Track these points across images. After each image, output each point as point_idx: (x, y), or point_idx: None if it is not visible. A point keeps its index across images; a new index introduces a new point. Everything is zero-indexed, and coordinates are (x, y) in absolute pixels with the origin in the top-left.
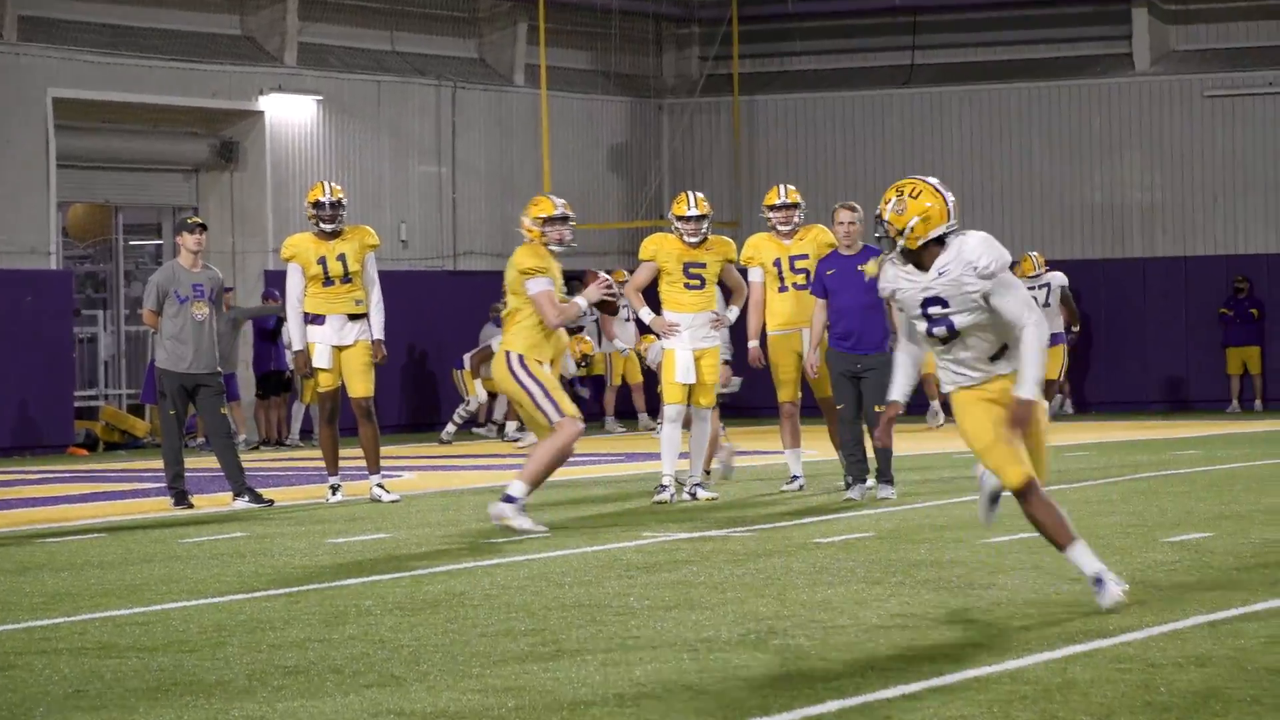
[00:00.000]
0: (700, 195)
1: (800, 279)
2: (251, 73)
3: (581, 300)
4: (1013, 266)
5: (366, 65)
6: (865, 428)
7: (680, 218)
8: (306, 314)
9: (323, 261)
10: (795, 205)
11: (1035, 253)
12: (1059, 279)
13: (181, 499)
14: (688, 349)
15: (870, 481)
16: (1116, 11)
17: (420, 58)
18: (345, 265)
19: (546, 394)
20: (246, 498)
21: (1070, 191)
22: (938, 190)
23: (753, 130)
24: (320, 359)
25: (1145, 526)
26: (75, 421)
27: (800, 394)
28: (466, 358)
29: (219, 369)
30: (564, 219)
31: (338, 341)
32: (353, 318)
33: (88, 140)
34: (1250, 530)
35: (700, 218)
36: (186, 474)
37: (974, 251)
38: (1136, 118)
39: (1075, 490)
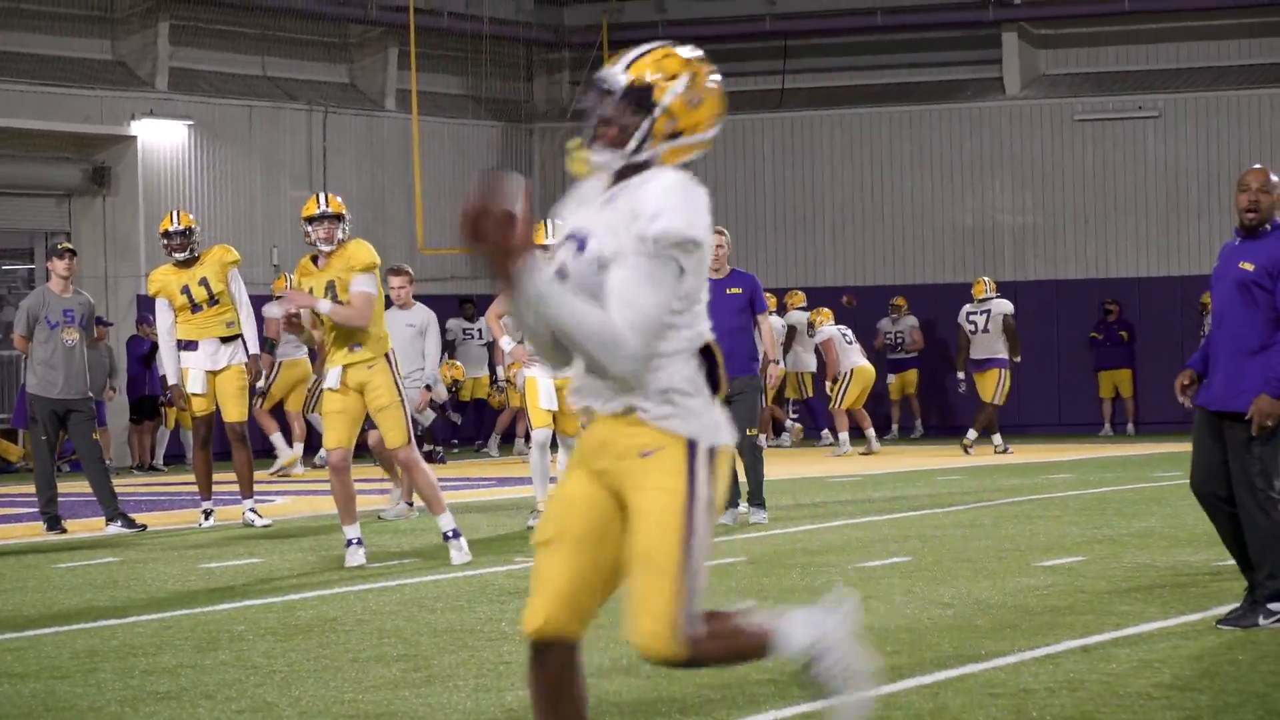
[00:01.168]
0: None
1: None
2: (123, 97)
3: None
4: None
5: (238, 90)
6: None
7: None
8: (180, 341)
9: (186, 290)
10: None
11: (987, 277)
12: (1003, 305)
13: (54, 524)
14: (549, 375)
15: (742, 506)
16: (987, 36)
17: (292, 83)
18: (209, 288)
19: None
20: (119, 523)
21: (941, 214)
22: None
23: None
24: (194, 384)
25: (1018, 550)
26: None
27: None
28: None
29: (90, 394)
30: (324, 218)
31: (211, 366)
32: (225, 340)
33: None
34: (1123, 554)
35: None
36: (59, 499)
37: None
38: (1007, 141)
39: (948, 514)
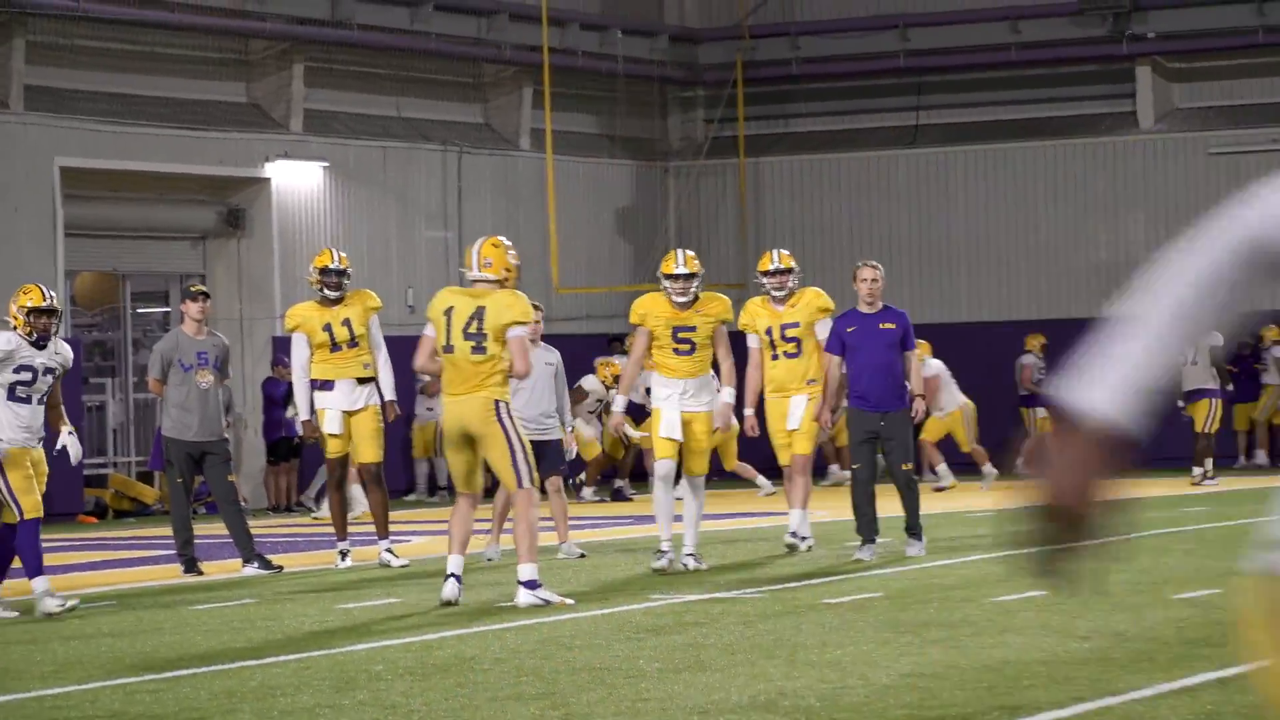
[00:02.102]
0: (690, 253)
1: (791, 347)
2: (258, 139)
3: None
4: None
5: (372, 131)
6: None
7: (668, 276)
8: (315, 380)
9: (328, 328)
10: (789, 270)
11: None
12: (1212, 338)
13: (191, 566)
14: (676, 409)
15: (887, 538)
16: (1121, 70)
17: (426, 123)
18: (351, 330)
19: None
20: (256, 564)
21: (1076, 250)
22: None
23: (758, 192)
24: (331, 424)
25: (1154, 583)
26: (84, 489)
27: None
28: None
29: (225, 436)
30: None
31: (348, 406)
32: (361, 381)
33: (95, 209)
34: None
35: (689, 276)
36: (195, 540)
37: None
38: (1141, 175)
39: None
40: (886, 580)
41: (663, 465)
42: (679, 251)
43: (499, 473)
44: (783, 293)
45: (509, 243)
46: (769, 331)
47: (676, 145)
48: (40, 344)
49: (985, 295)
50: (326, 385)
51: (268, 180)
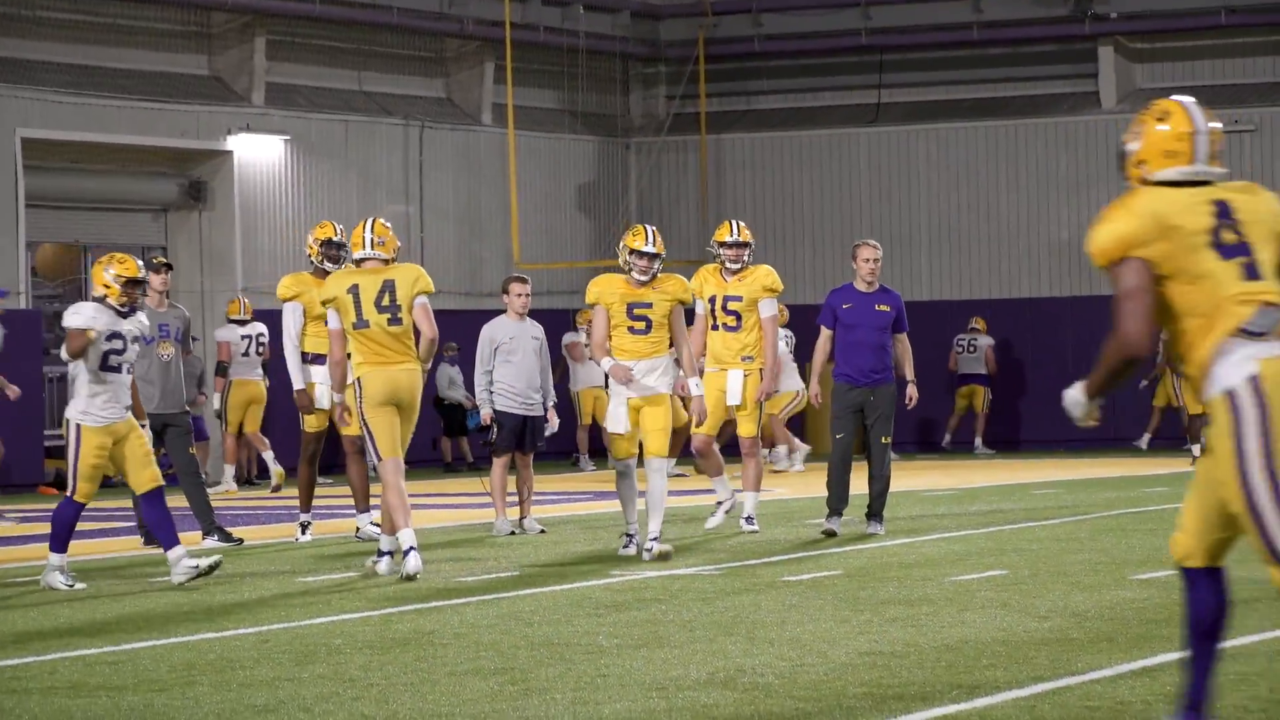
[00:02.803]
0: (656, 231)
1: (730, 320)
2: (220, 112)
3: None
4: None
5: (334, 105)
6: (865, 459)
7: (634, 251)
8: (306, 354)
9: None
10: (746, 244)
11: None
12: None
13: (150, 538)
14: (623, 400)
15: (845, 516)
16: (1083, 50)
17: (388, 97)
18: None
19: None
20: (215, 536)
21: (1037, 230)
22: None
23: (720, 169)
24: (323, 399)
25: (1114, 564)
26: (45, 460)
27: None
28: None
29: (187, 408)
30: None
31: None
32: (351, 356)
33: (56, 180)
34: None
35: (654, 256)
36: None
37: None
38: (1103, 155)
39: (1044, 527)
40: (846, 558)
41: (620, 464)
42: (648, 228)
43: (402, 440)
44: (736, 265)
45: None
46: (712, 300)
47: (638, 121)
48: (130, 313)
49: (945, 274)
50: (319, 359)
51: (229, 153)
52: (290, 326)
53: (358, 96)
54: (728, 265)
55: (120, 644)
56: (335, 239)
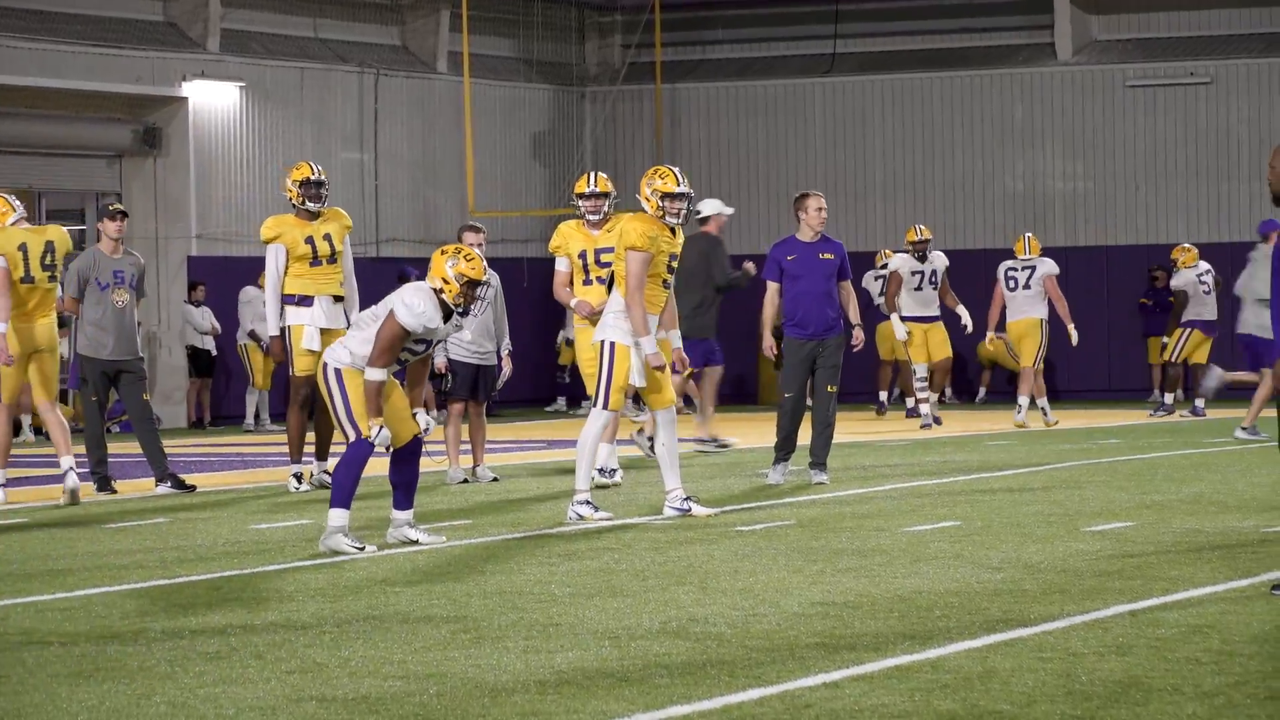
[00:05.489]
0: (603, 175)
1: (604, 273)
2: (174, 58)
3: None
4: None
5: (289, 52)
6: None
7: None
8: (290, 295)
9: (310, 241)
10: (606, 195)
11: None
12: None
13: (104, 484)
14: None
15: (792, 465)
16: (1039, 1)
17: (343, 45)
18: (332, 245)
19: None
20: (169, 483)
21: (992, 181)
22: None
23: (675, 118)
24: (310, 341)
25: (1067, 515)
26: None
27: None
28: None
29: (141, 354)
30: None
31: (326, 324)
32: (336, 299)
33: (10, 125)
34: (1171, 520)
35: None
36: (109, 459)
37: None
38: (1058, 107)
39: (997, 479)
40: (799, 508)
41: (612, 414)
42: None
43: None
44: (597, 216)
45: None
46: (583, 255)
47: (593, 70)
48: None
49: (899, 224)
50: (305, 301)
51: (184, 100)
52: (273, 268)
53: (313, 44)
54: (588, 218)
55: (73, 590)
56: (313, 178)
